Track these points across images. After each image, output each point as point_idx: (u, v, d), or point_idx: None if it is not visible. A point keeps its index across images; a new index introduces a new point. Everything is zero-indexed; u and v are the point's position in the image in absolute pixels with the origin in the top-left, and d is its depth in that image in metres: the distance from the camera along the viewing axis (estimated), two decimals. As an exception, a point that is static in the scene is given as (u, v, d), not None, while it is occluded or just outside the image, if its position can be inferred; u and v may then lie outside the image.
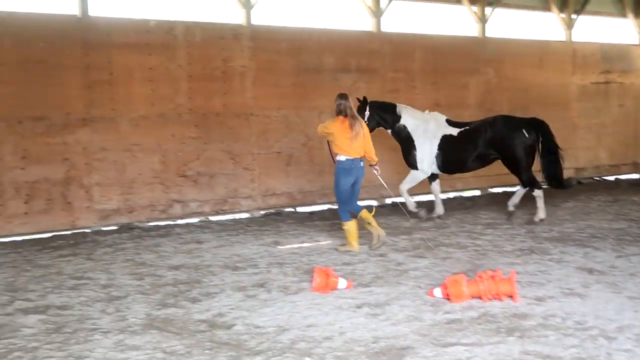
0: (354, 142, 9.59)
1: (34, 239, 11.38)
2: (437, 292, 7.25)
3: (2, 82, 11.30)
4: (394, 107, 12.38)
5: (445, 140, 12.32)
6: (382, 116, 12.12)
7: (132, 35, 12.42)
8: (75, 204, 11.96)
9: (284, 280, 8.17)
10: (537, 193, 11.93)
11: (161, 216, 12.74)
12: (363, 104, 12.02)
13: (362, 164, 9.79)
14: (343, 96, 9.77)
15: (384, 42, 15.29)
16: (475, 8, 16.75)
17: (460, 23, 16.87)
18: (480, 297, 7.05)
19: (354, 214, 9.90)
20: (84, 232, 11.88)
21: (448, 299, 7.09)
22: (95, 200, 12.16)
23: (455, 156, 12.30)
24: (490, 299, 7.02)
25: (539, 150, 12.01)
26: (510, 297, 7.03)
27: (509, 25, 17.65)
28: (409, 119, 12.37)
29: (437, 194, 12.73)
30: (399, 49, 15.47)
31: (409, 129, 12.35)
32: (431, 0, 16.34)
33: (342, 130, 9.59)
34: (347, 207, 9.81)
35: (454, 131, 12.37)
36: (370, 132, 10.64)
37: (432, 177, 12.62)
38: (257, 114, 13.65)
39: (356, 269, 8.65)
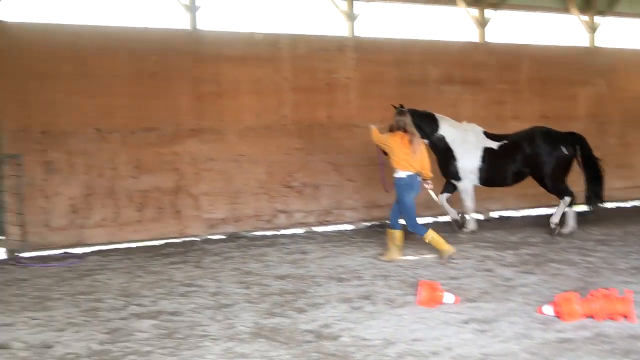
0: (413, 157, 9.77)
1: (146, 246, 11.77)
2: (547, 309, 7.05)
3: (117, 95, 11.78)
4: (432, 116, 12.20)
5: (487, 153, 12.21)
6: (420, 125, 11.61)
7: (240, 48, 12.72)
8: (184, 212, 12.33)
9: (389, 293, 8.14)
10: (565, 200, 11.90)
11: (266, 226, 12.97)
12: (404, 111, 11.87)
13: (419, 178, 9.95)
14: (402, 112, 10.05)
15: (489, 53, 15.09)
16: (585, 17, 16.29)
17: (566, 32, 16.46)
18: (593, 317, 6.83)
19: (391, 227, 10.14)
20: (193, 240, 12.22)
21: (559, 317, 6.89)
22: (204, 209, 12.50)
23: (496, 170, 12.20)
24: (604, 319, 6.78)
25: (579, 164, 12.05)
26: (626, 317, 6.77)
27: (619, 34, 17.10)
28: (448, 128, 12.19)
29: (444, 202, 12.43)
30: (505, 59, 15.23)
31: (448, 139, 12.16)
32: (537, 10, 16.00)
33: (402, 146, 9.79)
34: (416, 219, 9.95)
35: (494, 144, 12.28)
36: None
37: (448, 188, 12.45)
38: (361, 126, 13.64)
39: (463, 284, 8.53)
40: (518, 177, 12.32)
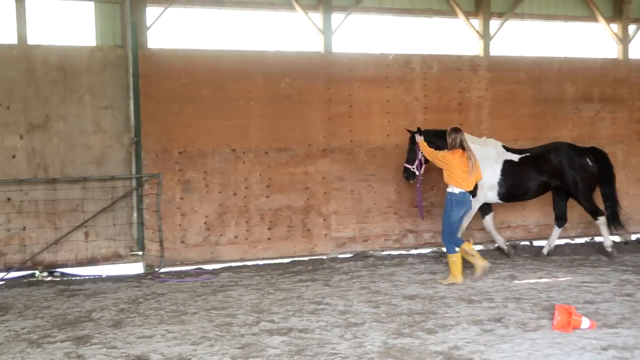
0: (469, 176, 10.00)
1: (276, 264, 12.00)
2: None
3: (253, 117, 12.14)
4: (434, 133, 11.71)
5: (508, 166, 11.89)
6: (437, 143, 11.25)
7: (372, 69, 12.83)
8: (314, 231, 12.50)
9: (522, 316, 7.92)
10: (601, 220, 11.79)
11: (395, 245, 12.94)
12: (416, 134, 11.47)
13: (471, 197, 10.33)
14: (458, 130, 10.16)
15: (631, 69, 14.47)
16: None
17: None
18: None
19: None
20: (321, 258, 12.35)
21: None
22: (333, 228, 12.62)
23: (518, 182, 11.88)
24: None
25: (600, 182, 11.95)
26: None
27: None
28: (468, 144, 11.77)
29: (492, 229, 12.31)
30: (647, 76, 14.54)
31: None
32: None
33: (460, 164, 9.97)
34: (453, 238, 10.13)
35: (515, 157, 12.00)
36: (426, 162, 11.44)
37: (485, 210, 12.23)
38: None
39: (600, 308, 8.18)
40: (543, 189, 12.04)
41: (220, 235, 12.03)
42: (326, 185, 12.55)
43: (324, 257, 12.43)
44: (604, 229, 11.86)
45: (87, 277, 11.11)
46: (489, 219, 12.30)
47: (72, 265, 11.40)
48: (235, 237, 12.08)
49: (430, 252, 12.95)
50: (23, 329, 7.91)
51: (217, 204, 11.93)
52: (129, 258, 11.64)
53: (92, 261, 11.49)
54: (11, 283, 10.70)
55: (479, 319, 7.86)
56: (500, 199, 12.04)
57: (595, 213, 11.87)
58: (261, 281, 10.53)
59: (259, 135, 12.12)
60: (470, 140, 11.64)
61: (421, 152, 11.18)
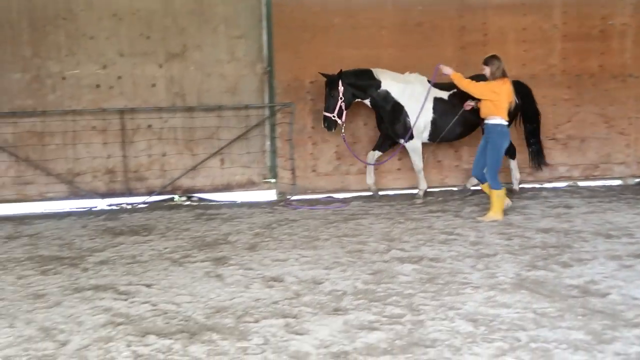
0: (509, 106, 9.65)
1: (405, 194, 12.00)
2: None
3: (383, 46, 12.00)
4: (370, 72, 11.08)
5: (439, 104, 11.16)
6: (358, 85, 10.74)
7: (508, -5, 12.36)
8: (444, 162, 12.38)
9: (665, 253, 7.62)
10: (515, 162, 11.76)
11: (528, 178, 12.62)
12: (336, 78, 10.82)
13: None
14: (499, 57, 9.66)
15: None
16: None
17: None
18: None
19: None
20: (452, 190, 12.24)
21: None
22: (464, 160, 12.45)
23: (449, 122, 10.92)
24: None
25: (523, 118, 11.56)
26: None
27: None
28: (392, 82, 11.06)
29: (371, 170, 11.62)
30: None
31: (394, 94, 11.08)
32: None
33: (508, 94, 9.56)
34: (497, 173, 9.73)
35: (444, 94, 11.21)
36: (347, 108, 10.94)
37: (383, 146, 11.58)
38: (637, 76, 12.75)
39: None
40: (470, 128, 11.32)
41: (351, 165, 12.11)
42: (458, 115, 12.34)
43: (455, 189, 12.31)
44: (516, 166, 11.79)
45: (222, 202, 11.52)
46: (377, 154, 11.58)
47: (208, 191, 11.84)
48: (365, 166, 12.13)
49: (566, 186, 12.55)
50: (165, 248, 8.34)
51: (348, 135, 11.98)
52: (262, 185, 11.96)
53: (227, 187, 11.89)
54: (153, 206, 11.26)
55: (617, 254, 7.62)
56: (430, 139, 11.36)
57: (513, 153, 11.62)
58: (391, 211, 10.58)
59: (389, 65, 11.94)
60: (396, 79, 11.16)
61: (342, 98, 10.82)
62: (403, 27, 12.08)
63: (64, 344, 5.37)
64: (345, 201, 11.43)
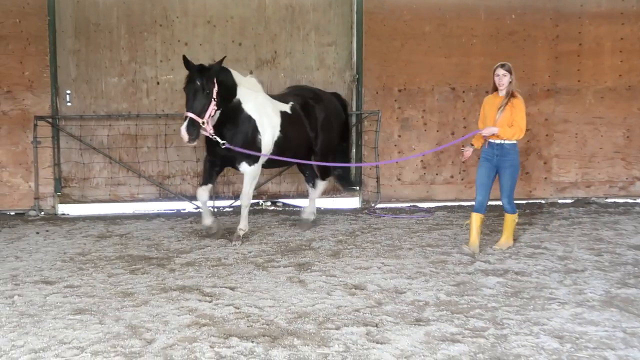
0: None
1: (492, 205, 11.73)
2: None
3: (474, 54, 11.85)
4: (229, 72, 8.84)
5: (284, 119, 9.24)
6: (220, 89, 8.45)
7: (605, 4, 12.02)
8: (533, 174, 12.13)
9: None
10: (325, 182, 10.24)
11: (620, 193, 12.26)
12: (216, 68, 8.45)
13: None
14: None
15: None
16: None
17: None
18: None
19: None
20: (540, 202, 11.98)
21: None
22: (553, 172, 12.18)
23: (295, 142, 9.36)
24: None
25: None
26: None
27: None
28: (246, 90, 8.95)
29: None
30: None
31: (249, 106, 8.91)
32: None
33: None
34: None
35: (285, 107, 9.39)
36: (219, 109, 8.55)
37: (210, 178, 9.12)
38: None
39: None
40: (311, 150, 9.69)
41: (436, 174, 12.01)
42: (549, 127, 12.07)
43: (543, 202, 12.05)
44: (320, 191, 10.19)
45: (307, 208, 11.60)
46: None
47: (293, 197, 11.94)
48: (451, 176, 12.01)
49: (661, 201, 12.13)
50: (250, 252, 8.46)
51: (434, 143, 11.89)
52: (346, 192, 11.98)
53: (312, 193, 11.96)
54: (239, 210, 11.41)
55: None
56: (267, 165, 9.44)
57: (328, 173, 10.07)
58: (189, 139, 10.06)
59: (480, 74, 11.82)
60: (247, 85, 9.07)
61: (215, 99, 8.30)
62: (495, 35, 11.92)
63: (150, 342, 5.52)
64: (429, 211, 11.33)
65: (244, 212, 9.05)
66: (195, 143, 8.44)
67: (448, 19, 11.82)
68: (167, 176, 11.62)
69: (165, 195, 11.63)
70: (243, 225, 9.06)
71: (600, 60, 12.07)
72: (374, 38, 11.70)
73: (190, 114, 8.09)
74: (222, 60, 8.54)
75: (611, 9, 12.03)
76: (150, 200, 11.56)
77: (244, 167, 8.82)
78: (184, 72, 8.59)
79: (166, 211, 11.41)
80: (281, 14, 11.62)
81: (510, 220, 8.61)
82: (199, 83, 8.14)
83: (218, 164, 9.00)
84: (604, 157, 12.20)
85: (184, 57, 8.27)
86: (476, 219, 8.32)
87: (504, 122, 8.14)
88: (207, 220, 9.09)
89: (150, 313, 6.20)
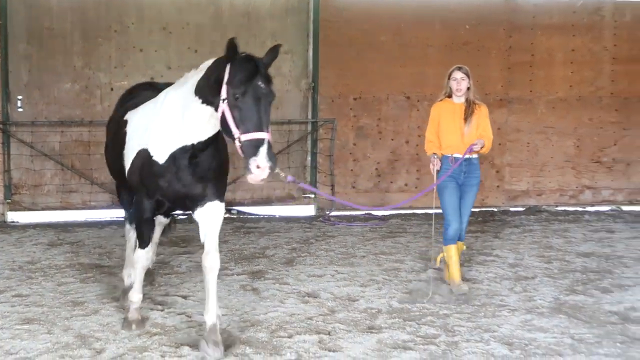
0: None
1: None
2: None
3: (429, 64, 11.95)
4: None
5: None
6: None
7: (557, 17, 12.25)
8: (485, 182, 12.25)
9: None
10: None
11: (570, 201, 12.49)
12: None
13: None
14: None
15: None
16: None
17: None
18: None
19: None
20: (492, 210, 12.14)
21: None
22: (506, 181, 12.36)
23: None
24: None
25: None
26: None
27: None
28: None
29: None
30: None
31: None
32: None
33: None
34: None
35: None
36: None
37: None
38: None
39: None
40: None
41: (391, 182, 12.10)
42: (501, 136, 12.23)
43: (495, 210, 12.20)
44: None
45: (261, 216, 11.57)
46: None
47: (248, 204, 11.90)
48: (406, 184, 12.10)
49: (610, 209, 12.34)
50: (203, 260, 8.40)
51: (389, 151, 11.97)
52: (301, 200, 11.98)
53: (267, 201, 11.94)
54: (192, 218, 11.34)
55: (660, 282, 7.49)
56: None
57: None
58: (430, 229, 10.50)
59: (435, 83, 11.82)
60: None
61: None
62: (450, 46, 12.05)
63: (99, 352, 5.45)
64: (383, 218, 11.40)
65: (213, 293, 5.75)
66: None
67: (404, 28, 11.93)
68: (121, 183, 11.48)
69: (118, 202, 11.47)
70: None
71: (551, 71, 12.30)
72: (331, 46, 11.74)
73: (268, 136, 5.02)
74: (276, 48, 5.48)
75: (563, 21, 12.27)
76: (103, 207, 11.40)
77: (216, 205, 5.98)
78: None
79: (119, 219, 11.26)
80: (238, 21, 11.59)
81: (461, 249, 7.54)
82: (271, 86, 5.20)
83: (166, 207, 5.94)
84: (554, 166, 12.42)
85: (233, 44, 5.04)
86: (455, 250, 7.26)
87: (473, 133, 7.15)
88: (137, 296, 6.13)
89: (100, 322, 6.12)
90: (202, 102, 5.25)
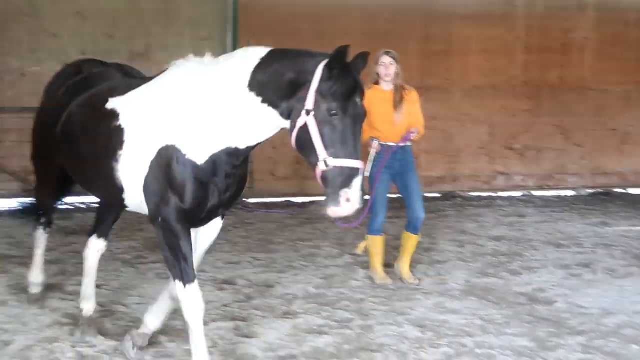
0: None
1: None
2: None
3: (350, 53, 11.99)
4: None
5: None
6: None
7: (473, 7, 12.45)
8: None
9: (611, 263, 7.79)
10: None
11: (484, 187, 12.80)
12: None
13: None
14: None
15: None
16: None
17: None
18: None
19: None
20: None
21: None
22: (422, 168, 12.52)
23: None
24: None
25: None
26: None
27: None
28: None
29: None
30: None
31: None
32: None
33: None
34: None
35: None
36: None
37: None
38: (595, 89, 12.96)
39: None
40: None
41: (309, 169, 12.10)
42: (418, 123, 12.45)
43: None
44: None
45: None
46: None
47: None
48: (321, 171, 12.14)
49: (522, 195, 12.71)
50: (118, 249, 8.27)
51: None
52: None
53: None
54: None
55: (566, 264, 7.78)
56: None
57: None
58: (349, 216, 10.58)
59: (354, 72, 12.03)
60: None
61: None
62: (369, 35, 12.09)
63: (7, 344, 5.31)
64: (302, 205, 11.44)
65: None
66: None
67: (323, 17, 11.94)
68: (31, 172, 11.15)
69: (30, 191, 11.17)
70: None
71: (467, 60, 12.53)
72: (250, 34, 11.61)
73: (363, 165, 4.26)
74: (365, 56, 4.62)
75: (478, 12, 12.46)
76: (13, 196, 11.06)
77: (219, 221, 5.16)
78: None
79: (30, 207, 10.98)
80: (155, 7, 11.38)
81: (415, 243, 7.39)
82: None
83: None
84: (469, 153, 12.68)
85: (345, 53, 4.29)
86: (381, 242, 7.29)
87: (405, 120, 7.10)
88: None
89: (8, 314, 5.95)
90: (263, 102, 4.30)
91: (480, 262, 7.84)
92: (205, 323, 5.70)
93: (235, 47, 11.52)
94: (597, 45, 12.99)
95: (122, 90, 4.96)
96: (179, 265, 4.56)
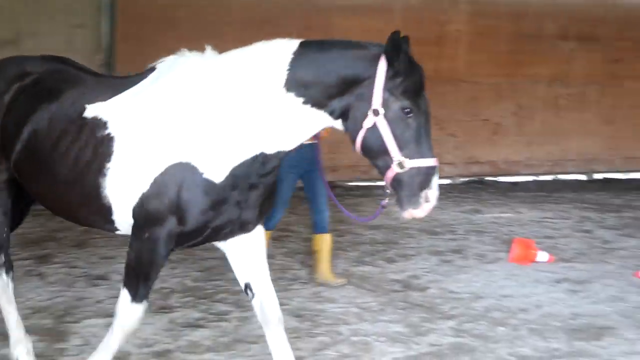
0: None
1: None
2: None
3: (228, 42, 11.76)
4: None
5: None
6: None
7: (353, -3, 12.58)
8: (285, 159, 12.51)
9: (482, 249, 8.11)
10: None
11: (363, 177, 12.97)
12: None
13: None
14: None
15: (609, 9, 14.31)
16: None
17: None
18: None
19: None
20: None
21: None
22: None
23: None
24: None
25: None
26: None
27: None
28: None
29: None
30: (629, 16, 14.38)
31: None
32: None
33: None
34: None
35: None
36: None
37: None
38: (468, 81, 13.37)
39: (558, 243, 8.39)
40: None
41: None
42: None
43: (294, 187, 12.46)
44: None
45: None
46: None
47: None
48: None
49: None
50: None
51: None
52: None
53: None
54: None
55: (439, 250, 8.03)
56: None
57: None
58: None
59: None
60: None
61: None
62: (248, 24, 12.03)
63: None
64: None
65: None
66: None
67: (202, 5, 11.77)
68: None
69: None
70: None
71: (347, 50, 12.65)
72: (128, 21, 11.33)
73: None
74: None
75: (358, 3, 12.61)
76: None
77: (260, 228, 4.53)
78: None
79: None
80: (24, -7, 10.95)
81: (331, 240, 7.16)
82: None
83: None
84: (348, 144, 12.77)
85: (400, 38, 4.12)
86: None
87: None
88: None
89: None
90: (306, 103, 3.83)
91: (358, 251, 8.00)
92: (77, 320, 5.62)
93: (111, 36, 11.23)
94: (470, 38, 13.36)
95: (102, 94, 4.29)
96: (138, 281, 4.06)
